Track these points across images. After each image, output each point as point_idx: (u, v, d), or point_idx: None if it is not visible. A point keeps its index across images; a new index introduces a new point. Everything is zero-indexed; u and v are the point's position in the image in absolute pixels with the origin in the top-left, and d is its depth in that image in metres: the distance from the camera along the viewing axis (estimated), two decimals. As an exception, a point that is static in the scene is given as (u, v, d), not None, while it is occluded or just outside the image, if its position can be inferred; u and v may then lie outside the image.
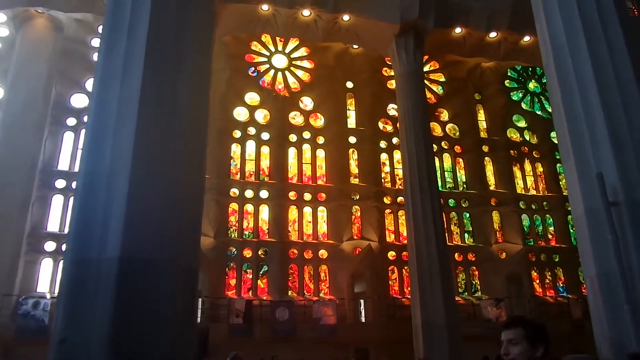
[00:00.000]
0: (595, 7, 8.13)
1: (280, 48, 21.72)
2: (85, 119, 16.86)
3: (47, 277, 16.22)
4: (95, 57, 18.98)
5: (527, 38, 20.06)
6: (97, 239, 4.83)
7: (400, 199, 19.55)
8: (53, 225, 16.87)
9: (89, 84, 18.63)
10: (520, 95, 24.66)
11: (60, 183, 17.27)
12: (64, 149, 18.00)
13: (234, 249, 17.90)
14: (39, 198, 16.72)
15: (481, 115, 23.48)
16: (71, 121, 18.25)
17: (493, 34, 19.88)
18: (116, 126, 5.33)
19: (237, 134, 19.55)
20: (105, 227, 4.87)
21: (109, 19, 6.20)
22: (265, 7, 17.24)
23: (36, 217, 16.46)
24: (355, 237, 19.03)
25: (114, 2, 6.22)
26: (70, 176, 17.07)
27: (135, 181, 4.97)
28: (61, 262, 14.42)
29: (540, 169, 23.12)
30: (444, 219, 17.64)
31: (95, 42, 19.19)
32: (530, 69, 25.11)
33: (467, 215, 20.98)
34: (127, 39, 5.62)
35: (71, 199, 16.92)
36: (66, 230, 12.28)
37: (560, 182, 22.45)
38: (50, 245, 16.46)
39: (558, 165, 22.60)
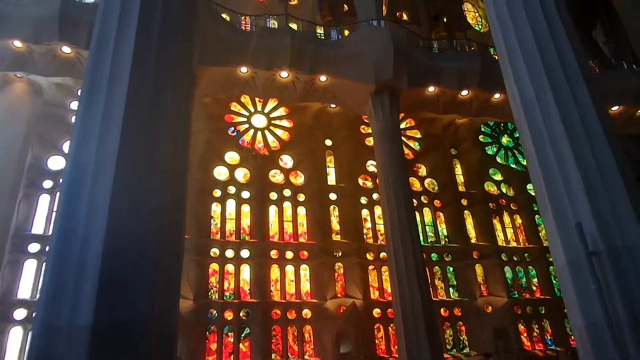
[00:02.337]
0: (560, 67, 8.55)
1: (259, 108, 22.10)
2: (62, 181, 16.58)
3: (16, 346, 15.32)
4: (74, 119, 19.00)
5: (497, 95, 20.90)
6: (69, 306, 4.60)
7: (383, 254, 19.42)
8: (24, 291, 16.13)
9: (67, 146, 18.51)
10: (495, 149, 25.34)
11: (33, 247, 16.69)
12: (39, 212, 17.55)
13: (215, 312, 17.28)
14: (10, 263, 16.08)
15: (458, 170, 23.93)
16: (47, 184, 17.93)
17: (465, 92, 20.67)
18: (92, 187, 5.23)
19: (217, 193, 19.43)
20: (78, 292, 4.66)
21: (88, 80, 6.25)
22: (244, 69, 17.68)
23: (7, 283, 15.75)
24: (339, 295, 18.64)
25: (94, 64, 6.30)
26: (45, 240, 16.54)
27: (110, 242, 4.83)
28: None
29: (519, 220, 23.40)
30: (428, 274, 17.50)
31: (74, 105, 19.23)
32: (502, 124, 25.99)
33: (451, 269, 20.87)
34: (105, 100, 5.64)
35: (44, 264, 16.34)
36: (38, 297, 11.76)
37: (540, 233, 22.72)
38: (20, 313, 15.66)
39: (536, 216, 22.93)
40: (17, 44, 16.13)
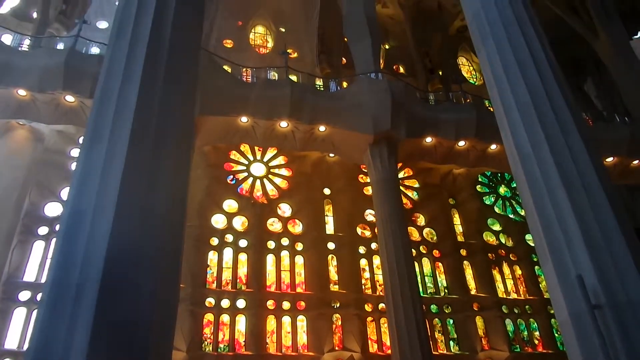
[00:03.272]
0: (555, 119, 8.73)
1: (258, 157, 22.30)
2: (58, 227, 16.48)
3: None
4: (73, 166, 19.10)
5: (493, 146, 21.17)
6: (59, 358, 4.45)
7: (381, 305, 19.03)
8: (12, 341, 15.66)
9: (65, 193, 18.51)
10: (493, 199, 25.39)
11: (24, 295, 16.35)
12: (32, 258, 17.32)
13: (208, 365, 16.74)
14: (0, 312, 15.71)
15: (457, 220, 23.87)
16: (43, 230, 17.79)
17: (462, 143, 20.95)
18: (89, 235, 5.18)
19: (215, 241, 19.26)
20: (68, 344, 4.52)
21: (90, 129, 6.32)
22: (244, 119, 17.98)
23: (-6, 333, 15.32)
24: (336, 348, 18.10)
25: (97, 113, 6.40)
26: (36, 288, 16.24)
27: (106, 291, 4.73)
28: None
29: (518, 271, 23.12)
30: (428, 326, 17.10)
31: (75, 152, 19.41)
32: (499, 174, 26.18)
33: (451, 321, 20.40)
34: (106, 149, 5.69)
35: (34, 312, 15.94)
36: (26, 347, 11.39)
37: (541, 285, 22.38)
38: (6, 364, 15.15)
39: (536, 267, 22.66)
40: (22, 92, 16.43)
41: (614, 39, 25.98)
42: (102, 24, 23.95)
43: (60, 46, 17.56)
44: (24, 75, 16.05)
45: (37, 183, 18.33)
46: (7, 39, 17.43)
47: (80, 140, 19.32)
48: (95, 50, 17.57)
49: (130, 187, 5.21)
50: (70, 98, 16.71)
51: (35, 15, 25.84)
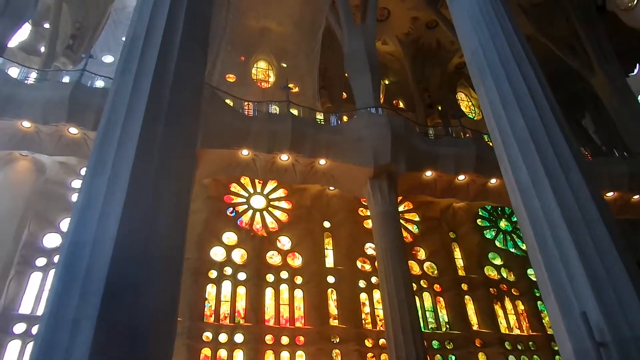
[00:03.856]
0: (554, 154, 8.79)
1: (258, 189, 22.32)
2: (56, 259, 16.36)
3: None
4: (74, 197, 19.10)
5: (493, 180, 21.22)
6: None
7: (382, 341, 18.66)
8: (4, 377, 15.31)
9: (64, 224, 18.44)
10: (493, 233, 25.27)
11: (19, 328, 16.06)
12: (29, 290, 17.09)
13: (204, 403, 16.30)
14: (-7, 346, 15.40)
15: (457, 254, 23.69)
16: (41, 261, 17.62)
17: (461, 177, 21.03)
18: (88, 268, 5.14)
19: (213, 274, 19.07)
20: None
21: (93, 161, 6.36)
22: (245, 152, 18.09)
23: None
24: (335, 386, 17.67)
25: (100, 145, 6.45)
26: (32, 320, 15.97)
27: (102, 327, 4.66)
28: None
29: (521, 306, 22.78)
30: (429, 364, 16.73)
31: (76, 184, 19.43)
32: (499, 208, 26.14)
33: (453, 358, 19.95)
34: (108, 181, 5.72)
35: (29, 345, 15.64)
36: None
37: (544, 320, 22.01)
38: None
39: (539, 302, 22.35)
40: (26, 124, 16.59)
41: (610, 76, 26.44)
42: (108, 58, 24.40)
43: (66, 79, 17.83)
44: (29, 107, 16.24)
45: (37, 214, 18.28)
46: (14, 72, 17.72)
47: (82, 171, 19.45)
48: (100, 83, 17.85)
49: (131, 219, 5.21)
50: (73, 130, 16.87)
51: (42, 49, 26.41)
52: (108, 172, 5.90)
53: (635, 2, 14.32)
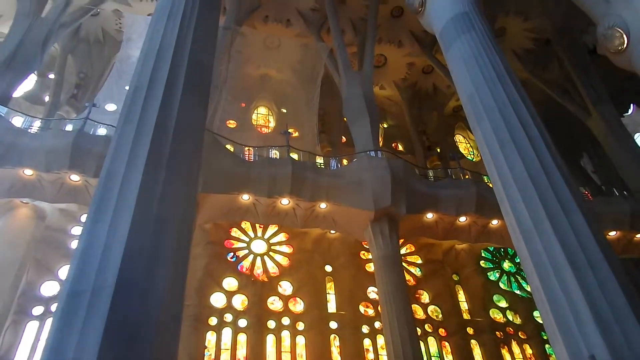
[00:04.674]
0: (554, 195, 8.81)
1: (259, 234, 22.23)
2: (53, 308, 16.11)
3: None
4: (73, 244, 19.01)
5: (495, 222, 21.15)
6: None
7: (387, 390, 18.08)
8: None
9: (63, 272, 18.27)
10: (497, 275, 24.96)
11: (13, 381, 15.62)
12: (25, 339, 16.72)
13: None
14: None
15: (461, 296, 23.31)
16: (37, 310, 17.34)
17: (463, 219, 20.97)
18: (86, 318, 5.06)
19: (213, 321, 18.70)
20: None
21: (93, 209, 6.38)
22: (245, 197, 18.12)
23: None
24: None
25: (101, 193, 6.48)
26: (26, 373, 15.55)
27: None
28: None
29: (529, 350, 22.19)
30: (436, 413, 16.15)
31: (76, 231, 19.40)
32: (502, 249, 25.93)
33: (461, 407, 19.30)
34: (108, 230, 5.71)
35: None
36: None
37: (552, 365, 21.42)
38: None
39: (547, 345, 21.80)
40: (28, 172, 16.70)
41: (605, 117, 26.82)
42: (111, 107, 24.87)
43: (69, 128, 18.11)
44: (32, 155, 16.40)
45: (36, 261, 18.15)
46: (18, 121, 18.02)
47: (82, 218, 19.45)
48: (102, 131, 18.11)
49: (130, 269, 5.17)
50: (75, 177, 16.98)
51: (47, 98, 26.94)
52: (108, 219, 5.91)
53: (625, 46, 14.68)
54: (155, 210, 5.92)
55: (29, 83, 27.47)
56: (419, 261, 23.82)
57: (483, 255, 25.43)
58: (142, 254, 5.49)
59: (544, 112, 30.51)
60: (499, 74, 10.92)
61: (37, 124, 18.16)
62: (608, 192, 26.01)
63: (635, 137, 36.07)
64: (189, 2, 9.67)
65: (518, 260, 24.77)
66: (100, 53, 29.16)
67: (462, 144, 34.61)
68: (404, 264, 21.70)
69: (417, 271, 23.44)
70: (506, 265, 25.68)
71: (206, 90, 8.77)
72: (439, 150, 32.37)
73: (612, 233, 22.26)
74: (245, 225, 21.99)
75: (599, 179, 34.31)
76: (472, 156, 33.60)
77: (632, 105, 37.02)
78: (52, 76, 27.80)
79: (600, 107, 27.22)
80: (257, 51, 28.52)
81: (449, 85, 30.68)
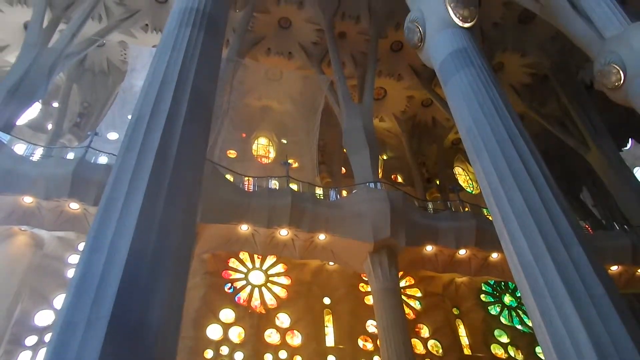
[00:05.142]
0: (554, 229, 8.77)
1: (258, 265, 22.04)
2: (47, 338, 15.82)
3: None
4: (70, 273, 18.83)
5: (495, 255, 21.01)
6: None
7: None
8: None
9: (58, 301, 18.04)
10: (498, 309, 24.62)
11: (2, 414, 15.21)
12: (17, 370, 16.36)
13: None
14: None
15: (462, 331, 22.93)
16: (31, 340, 17.01)
17: (462, 252, 20.83)
18: (79, 351, 4.97)
19: (209, 353, 18.33)
20: None
21: (91, 238, 6.34)
22: (244, 227, 18.06)
23: None
24: None
25: (100, 222, 6.46)
26: (16, 406, 15.14)
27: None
28: None
29: (531, 388, 21.71)
30: None
31: (73, 259, 19.25)
32: (503, 283, 25.65)
33: None
34: (105, 260, 5.66)
35: None
36: None
37: (556, 405, 20.85)
38: None
39: (549, 384, 21.30)
40: (28, 199, 16.70)
41: (604, 151, 26.99)
42: (113, 135, 25.06)
43: (70, 156, 18.20)
44: (32, 183, 16.43)
45: (31, 289, 17.93)
46: (21, 148, 18.13)
47: (80, 247, 19.31)
48: (103, 159, 18.20)
49: (127, 299, 5.11)
50: (74, 205, 16.95)
51: (50, 126, 27.19)
52: (106, 249, 5.87)
53: (621, 82, 14.93)
54: (154, 241, 5.89)
55: (33, 111, 27.77)
56: (419, 294, 23.54)
57: (483, 288, 25.14)
58: (139, 285, 5.43)
59: (543, 146, 30.80)
60: (498, 108, 11.04)
61: (39, 151, 18.27)
62: (609, 226, 25.96)
63: (634, 171, 36.22)
64: (193, 35, 9.89)
65: (519, 295, 24.48)
66: (104, 83, 29.60)
67: (462, 176, 34.71)
68: (403, 296, 21.43)
69: (416, 304, 23.13)
70: (507, 299, 25.35)
71: (207, 121, 8.86)
72: (438, 182, 32.46)
73: (614, 267, 22.08)
74: (244, 255, 21.83)
75: (599, 212, 34.28)
76: (472, 188, 33.65)
77: (630, 139, 37.32)
78: (56, 104, 28.12)
79: (599, 141, 27.44)
80: (258, 83, 28.95)
81: (448, 118, 31.02)
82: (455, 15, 13.53)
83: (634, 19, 16.54)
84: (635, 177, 27.96)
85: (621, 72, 15.15)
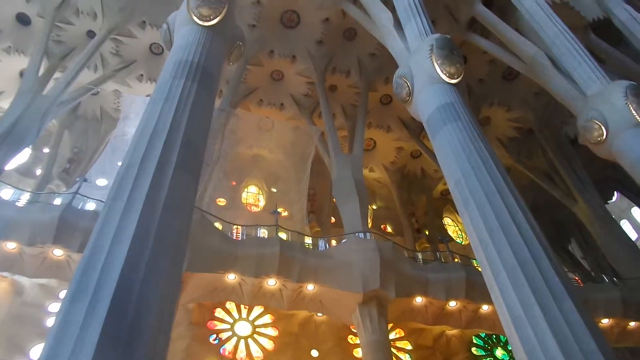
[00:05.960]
0: (544, 283, 8.76)
1: (244, 315, 21.50)
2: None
3: None
4: (50, 322, 18.21)
5: (485, 307, 20.77)
6: None
7: None
8: None
9: (35, 352, 17.35)
10: (490, 364, 24.06)
11: None
12: None
13: None
14: None
15: (454, 387, 22.29)
16: (3, 398, 16.24)
17: (452, 303, 20.57)
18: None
19: (191, 410, 17.57)
20: None
21: (74, 287, 6.21)
22: (232, 276, 17.76)
23: None
24: None
25: (83, 270, 6.33)
26: None
27: None
28: None
29: None
30: None
31: (53, 307, 18.67)
32: (494, 336, 25.19)
33: None
34: (86, 311, 5.51)
35: None
36: None
37: None
38: None
39: None
40: (11, 245, 16.36)
41: (591, 204, 27.35)
42: (102, 181, 24.96)
43: (58, 201, 18.02)
44: (17, 228, 16.17)
45: (8, 339, 17.23)
46: (7, 193, 17.94)
47: (62, 294, 18.79)
48: (91, 205, 18.02)
49: (106, 353, 4.93)
50: (58, 252, 16.63)
51: (39, 172, 27.10)
52: (88, 299, 5.72)
53: (604, 137, 15.39)
54: (137, 291, 5.76)
55: (23, 156, 27.71)
56: (409, 347, 22.98)
57: (475, 341, 24.64)
58: (120, 338, 5.26)
59: (532, 198, 31.19)
60: (485, 161, 11.23)
61: (25, 196, 18.09)
62: (598, 279, 25.90)
63: (621, 224, 36.58)
64: (186, 87, 10.09)
65: (510, 348, 24.02)
66: (96, 130, 29.82)
67: (451, 226, 34.79)
68: (393, 349, 20.88)
69: (406, 357, 22.53)
70: (499, 352, 24.81)
71: (197, 170, 8.90)
72: (427, 232, 32.46)
73: (605, 320, 21.87)
74: (230, 305, 21.31)
75: (588, 264, 34.29)
76: (461, 239, 33.65)
77: (615, 192, 37.92)
78: (46, 150, 28.13)
79: (585, 194, 27.85)
80: (250, 132, 29.33)
81: (436, 169, 31.44)
82: (442, 72, 13.99)
83: (613, 78, 17.27)
84: (621, 229, 28.23)
85: (603, 128, 15.65)
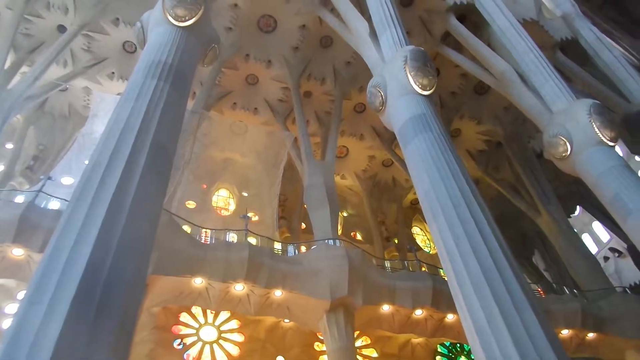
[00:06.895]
0: (507, 294, 8.94)
1: (210, 320, 21.21)
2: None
3: None
4: (5, 324, 17.60)
5: (450, 316, 21.06)
6: None
7: None
8: None
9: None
10: (454, 373, 24.38)
11: None
12: None
13: None
14: None
15: (417, 395, 22.48)
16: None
17: (419, 312, 20.77)
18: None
19: (151, 417, 17.17)
20: None
21: (32, 288, 6.00)
22: (199, 280, 17.49)
23: None
24: None
25: (43, 271, 6.14)
26: None
27: None
28: None
29: None
30: None
31: (10, 309, 18.06)
32: (458, 344, 25.57)
33: None
34: (45, 312, 5.33)
35: None
36: None
37: None
38: None
39: None
40: (-34, 244, 15.70)
41: (554, 217, 28.13)
42: (67, 180, 24.28)
43: (20, 199, 17.43)
44: (-27, 227, 15.53)
45: (-41, 343, 16.54)
46: (-35, 190, 17.27)
47: (20, 295, 18.17)
48: (55, 204, 17.49)
49: (64, 357, 4.77)
50: (18, 251, 16.02)
51: (0, 168, 26.19)
52: (46, 301, 5.53)
53: (568, 153, 15.88)
54: (99, 295, 5.61)
55: (-17, 152, 26.75)
56: (375, 354, 23.09)
57: (439, 350, 24.95)
58: (79, 342, 5.10)
59: (499, 209, 31.89)
60: (454, 172, 11.43)
61: (-16, 194, 17.43)
62: (559, 290, 26.60)
63: (582, 237, 37.73)
64: (159, 87, 9.94)
65: (474, 357, 24.40)
66: (63, 127, 29.03)
67: (420, 236, 35.23)
68: (359, 357, 20.97)
69: (372, 366, 22.62)
70: (462, 361, 25.20)
71: (167, 172, 8.75)
72: (396, 241, 32.78)
73: (565, 331, 22.46)
74: (196, 310, 20.99)
75: (550, 276, 35.23)
76: (429, 248, 34.10)
77: (578, 206, 39.14)
78: (9, 146, 27.22)
79: (549, 207, 28.63)
80: (223, 135, 29.10)
81: (407, 178, 31.83)
82: (415, 84, 14.20)
83: (579, 96, 17.87)
84: (583, 242, 29.10)
85: (568, 144, 16.16)
